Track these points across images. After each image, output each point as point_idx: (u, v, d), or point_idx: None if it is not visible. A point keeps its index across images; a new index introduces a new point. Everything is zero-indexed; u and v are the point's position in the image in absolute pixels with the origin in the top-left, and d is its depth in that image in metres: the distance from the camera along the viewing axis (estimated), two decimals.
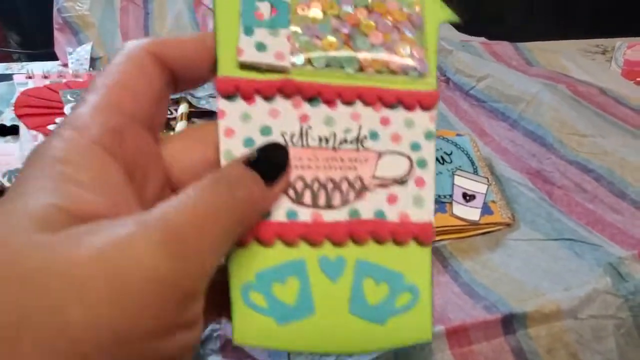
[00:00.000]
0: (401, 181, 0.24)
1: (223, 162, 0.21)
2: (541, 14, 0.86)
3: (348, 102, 0.23)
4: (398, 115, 0.24)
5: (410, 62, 0.24)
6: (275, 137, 0.22)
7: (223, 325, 0.33)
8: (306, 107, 0.23)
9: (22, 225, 0.14)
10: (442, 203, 0.40)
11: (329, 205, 0.23)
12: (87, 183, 0.16)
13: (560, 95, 0.50)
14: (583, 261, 0.35)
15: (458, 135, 0.47)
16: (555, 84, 0.53)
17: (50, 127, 0.53)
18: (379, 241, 0.23)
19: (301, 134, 0.23)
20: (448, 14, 0.24)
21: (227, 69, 0.21)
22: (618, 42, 0.72)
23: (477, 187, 0.42)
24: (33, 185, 0.15)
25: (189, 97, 0.56)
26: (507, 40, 0.67)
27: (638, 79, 0.65)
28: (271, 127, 0.22)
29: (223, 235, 0.17)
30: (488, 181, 0.43)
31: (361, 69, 0.23)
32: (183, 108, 0.55)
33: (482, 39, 0.69)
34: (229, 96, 0.22)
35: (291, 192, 0.22)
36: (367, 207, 0.23)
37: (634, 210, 0.37)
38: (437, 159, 0.44)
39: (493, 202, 0.41)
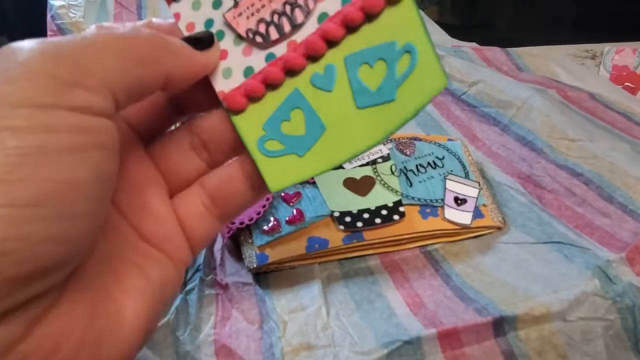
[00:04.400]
0: None
1: None
2: (531, 20, 0.87)
3: None
4: None
5: None
6: None
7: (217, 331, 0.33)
8: None
9: None
10: (434, 207, 0.41)
11: (296, 26, 0.22)
12: None
13: (551, 101, 0.50)
14: (572, 264, 0.35)
15: (449, 140, 0.48)
16: (546, 89, 0.53)
17: None
18: (355, 28, 0.21)
19: None
20: None
21: None
22: (607, 47, 0.73)
23: (469, 191, 0.43)
24: None
25: None
26: (497, 45, 0.68)
27: (626, 84, 0.66)
28: None
29: (124, 65, 0.18)
30: (479, 185, 0.43)
31: None
32: None
33: (474, 44, 0.70)
34: None
35: (258, 38, 0.22)
36: (331, 3, 0.22)
37: (621, 214, 0.37)
38: (429, 164, 0.44)
39: (484, 205, 0.42)
